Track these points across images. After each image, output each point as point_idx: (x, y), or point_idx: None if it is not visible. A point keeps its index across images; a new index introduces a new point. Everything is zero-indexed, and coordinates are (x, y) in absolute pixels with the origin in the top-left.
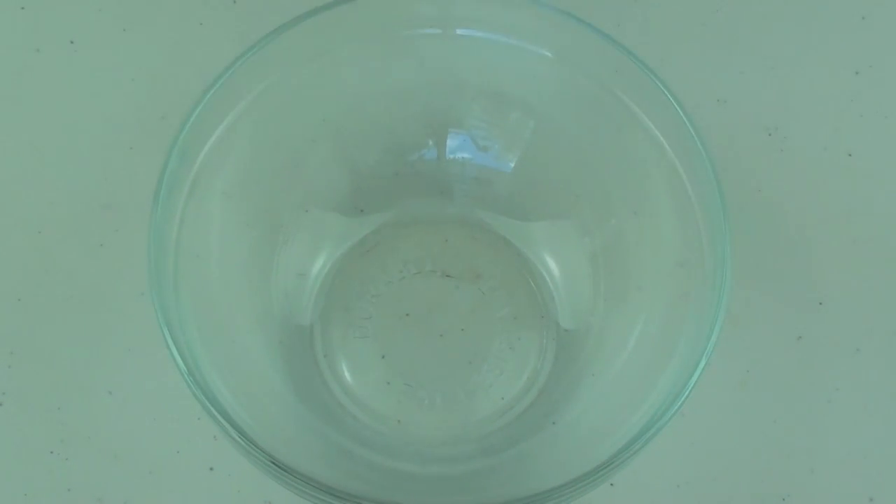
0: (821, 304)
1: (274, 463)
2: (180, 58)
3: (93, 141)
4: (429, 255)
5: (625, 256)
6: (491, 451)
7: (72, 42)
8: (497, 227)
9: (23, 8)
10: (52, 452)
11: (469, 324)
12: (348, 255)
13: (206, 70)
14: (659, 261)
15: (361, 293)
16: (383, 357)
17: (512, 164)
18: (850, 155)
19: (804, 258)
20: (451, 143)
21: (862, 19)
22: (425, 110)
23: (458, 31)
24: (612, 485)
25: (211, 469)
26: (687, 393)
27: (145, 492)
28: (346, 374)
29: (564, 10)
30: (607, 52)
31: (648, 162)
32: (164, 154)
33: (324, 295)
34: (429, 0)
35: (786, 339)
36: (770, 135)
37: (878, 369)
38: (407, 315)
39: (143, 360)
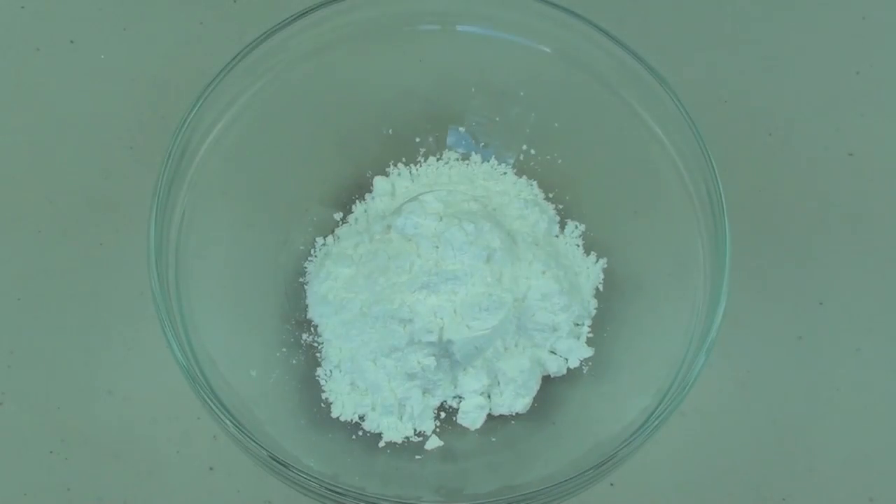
0: (821, 304)
1: (274, 458)
2: (180, 58)
3: (93, 141)
4: None
5: (625, 256)
6: (491, 449)
7: (72, 41)
8: None
9: (23, 7)
10: (52, 452)
11: None
12: None
13: (206, 70)
14: (659, 260)
15: None
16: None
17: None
18: (850, 155)
19: (804, 258)
20: (451, 139)
21: (862, 19)
22: (425, 107)
23: (459, 28)
24: (612, 484)
25: (211, 469)
26: (686, 391)
27: (145, 492)
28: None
29: (565, 7)
30: (608, 50)
31: (649, 161)
32: (164, 154)
33: None
34: None
35: (786, 339)
36: (770, 135)
37: (878, 369)
38: None
39: (143, 360)
